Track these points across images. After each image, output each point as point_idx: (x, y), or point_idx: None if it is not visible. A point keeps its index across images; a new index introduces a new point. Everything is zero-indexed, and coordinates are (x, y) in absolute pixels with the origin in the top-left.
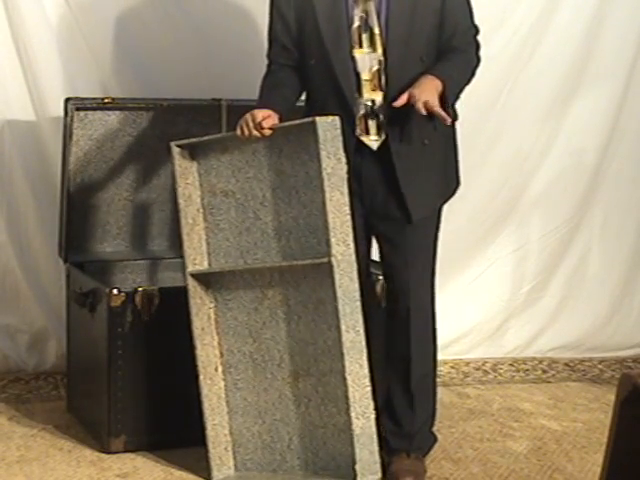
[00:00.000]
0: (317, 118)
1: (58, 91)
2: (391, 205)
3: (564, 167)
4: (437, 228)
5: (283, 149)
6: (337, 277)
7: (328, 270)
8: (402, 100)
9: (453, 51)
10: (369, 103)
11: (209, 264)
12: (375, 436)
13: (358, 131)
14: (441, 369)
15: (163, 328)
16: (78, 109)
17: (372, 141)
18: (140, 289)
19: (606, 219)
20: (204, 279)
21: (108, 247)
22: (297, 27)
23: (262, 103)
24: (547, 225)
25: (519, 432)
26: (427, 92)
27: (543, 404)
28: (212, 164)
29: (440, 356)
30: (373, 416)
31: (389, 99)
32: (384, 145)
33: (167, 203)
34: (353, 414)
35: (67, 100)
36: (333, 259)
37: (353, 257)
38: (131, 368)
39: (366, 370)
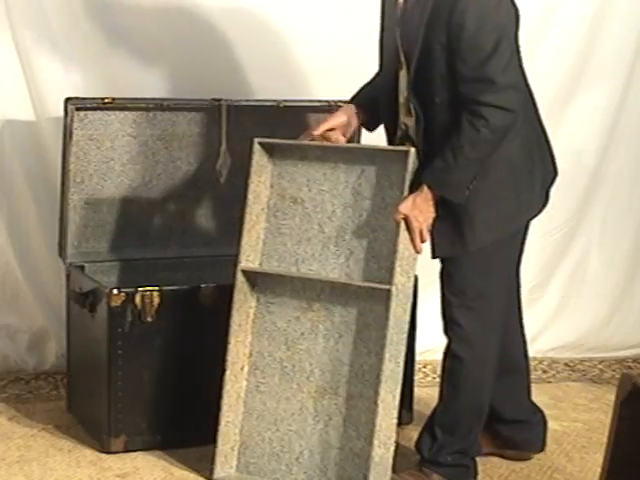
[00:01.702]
0: (412, 149)
1: (58, 91)
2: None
3: (564, 167)
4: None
5: (365, 170)
6: (393, 305)
7: (385, 297)
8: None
9: (460, 126)
10: (403, 127)
11: (260, 264)
12: (390, 468)
13: None
14: None
15: (163, 328)
16: (78, 109)
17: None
18: (140, 289)
19: (606, 219)
20: (253, 277)
21: (108, 247)
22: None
23: (352, 98)
24: (547, 225)
25: None
26: (417, 207)
27: (543, 404)
28: (288, 169)
29: (441, 356)
30: (393, 448)
31: (419, 124)
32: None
33: (167, 203)
34: (376, 442)
35: (67, 100)
36: (394, 288)
37: (411, 290)
38: (131, 368)
39: (397, 402)
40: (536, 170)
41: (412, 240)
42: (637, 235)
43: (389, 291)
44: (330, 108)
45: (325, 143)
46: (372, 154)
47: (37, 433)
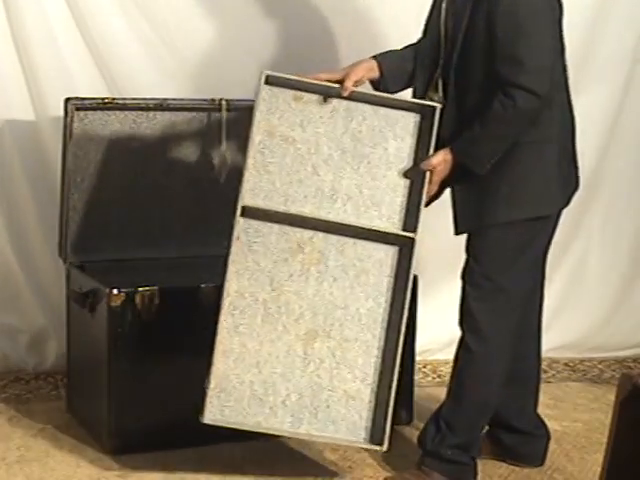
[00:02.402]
0: (438, 105)
1: (58, 91)
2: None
3: None
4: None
5: (367, 118)
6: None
7: (400, 244)
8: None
9: (491, 105)
10: (427, 100)
11: (243, 199)
12: (390, 412)
13: None
14: (441, 369)
15: (163, 328)
16: (78, 109)
17: None
18: (140, 289)
19: (606, 219)
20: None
21: (108, 247)
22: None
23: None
24: None
25: None
26: (440, 165)
27: (543, 404)
28: (279, 106)
29: (441, 356)
30: (394, 393)
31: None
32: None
33: (167, 203)
34: (375, 384)
35: (67, 100)
36: (417, 236)
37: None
38: (131, 368)
39: (400, 349)
40: (563, 173)
41: (427, 192)
42: (637, 235)
43: (413, 240)
44: None
45: (333, 85)
46: (378, 102)
47: (37, 433)
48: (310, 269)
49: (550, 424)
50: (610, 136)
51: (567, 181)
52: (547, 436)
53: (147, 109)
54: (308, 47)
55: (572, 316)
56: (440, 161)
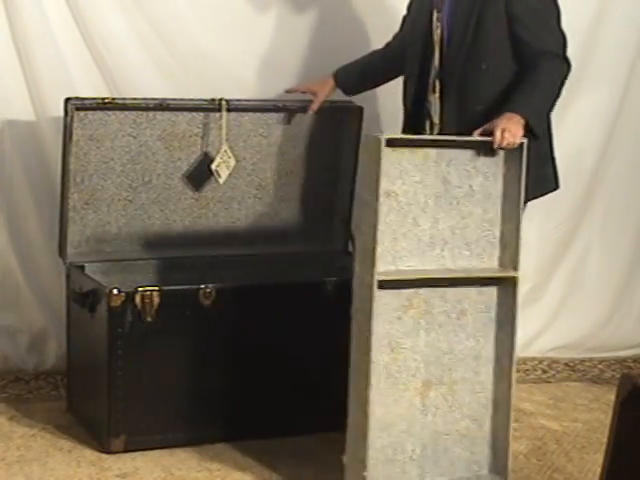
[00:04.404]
0: (525, 141)
1: (58, 91)
2: None
3: (564, 168)
4: None
5: (452, 159)
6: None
7: (495, 283)
8: (479, 132)
9: (533, 68)
10: (427, 104)
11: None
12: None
13: (421, 130)
14: None
15: (163, 328)
16: (78, 109)
17: None
18: (140, 289)
19: (606, 219)
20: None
21: (108, 247)
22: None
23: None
24: (547, 225)
25: (519, 432)
26: (508, 123)
27: (543, 404)
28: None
29: None
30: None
31: (443, 103)
32: None
33: (168, 203)
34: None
35: (67, 100)
36: (520, 273)
37: None
38: (131, 368)
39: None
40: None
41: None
42: (637, 235)
43: (515, 278)
44: (329, 108)
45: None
46: (459, 144)
47: (37, 433)
48: (420, 321)
49: (550, 424)
50: (610, 136)
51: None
52: None
53: (147, 109)
54: (308, 47)
55: (572, 316)
56: (504, 122)
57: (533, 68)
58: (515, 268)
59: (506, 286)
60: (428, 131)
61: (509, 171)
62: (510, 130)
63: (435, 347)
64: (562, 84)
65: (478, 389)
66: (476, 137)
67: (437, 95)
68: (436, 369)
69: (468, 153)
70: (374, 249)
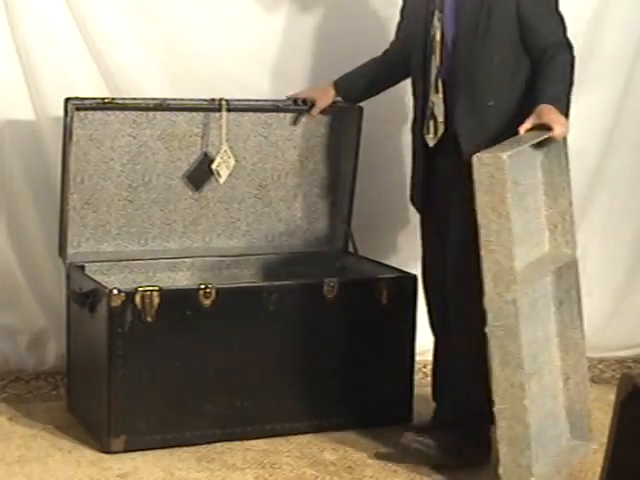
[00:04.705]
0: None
1: (58, 91)
2: None
3: None
4: None
5: (550, 149)
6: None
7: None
8: (527, 126)
9: (548, 61)
10: (431, 104)
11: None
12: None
13: (424, 130)
14: None
15: (163, 328)
16: (78, 109)
17: (429, 139)
18: (140, 289)
19: (606, 220)
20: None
21: (108, 247)
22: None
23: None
24: None
25: None
26: (553, 114)
27: None
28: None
29: None
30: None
31: (446, 102)
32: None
33: (167, 203)
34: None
35: (67, 100)
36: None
37: None
38: (131, 368)
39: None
40: None
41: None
42: (637, 235)
43: (573, 257)
44: (329, 108)
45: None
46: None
47: (37, 433)
48: (550, 305)
49: None
50: (610, 136)
51: None
52: None
53: (147, 109)
54: (308, 47)
55: None
56: (552, 115)
57: (550, 59)
58: (574, 249)
59: (569, 265)
60: (432, 131)
61: (551, 162)
62: (559, 121)
63: (526, 340)
64: (573, 74)
65: (556, 370)
66: (544, 135)
67: (440, 95)
68: (529, 361)
69: (558, 143)
70: (512, 267)
